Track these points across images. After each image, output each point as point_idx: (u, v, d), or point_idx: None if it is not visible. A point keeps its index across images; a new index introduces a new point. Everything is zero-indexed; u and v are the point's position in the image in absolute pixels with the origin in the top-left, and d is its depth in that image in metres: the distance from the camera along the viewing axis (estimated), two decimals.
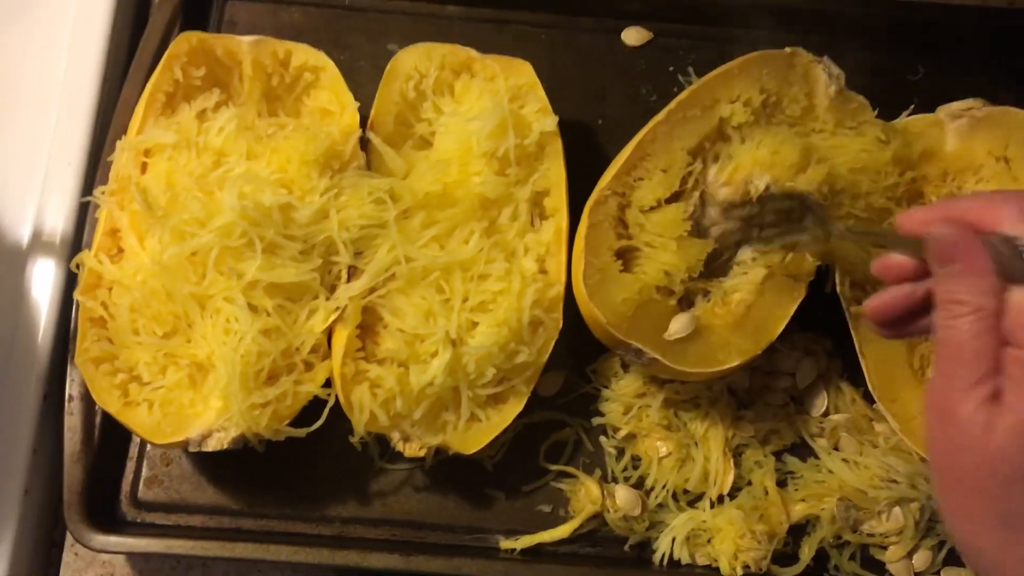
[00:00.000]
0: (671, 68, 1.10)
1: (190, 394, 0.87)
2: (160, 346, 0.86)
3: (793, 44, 0.98)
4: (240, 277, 0.86)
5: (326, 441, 0.92)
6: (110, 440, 0.94)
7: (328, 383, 0.89)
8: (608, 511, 0.94)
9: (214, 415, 0.85)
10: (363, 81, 1.02)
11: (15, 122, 1.01)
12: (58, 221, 0.98)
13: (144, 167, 0.91)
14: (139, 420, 0.86)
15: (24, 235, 0.98)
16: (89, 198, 0.92)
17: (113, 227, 0.89)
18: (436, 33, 1.08)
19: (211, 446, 0.85)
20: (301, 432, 0.88)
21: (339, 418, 0.89)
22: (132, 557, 0.95)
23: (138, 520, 0.94)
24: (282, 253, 0.87)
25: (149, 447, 0.96)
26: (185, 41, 0.94)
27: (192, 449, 0.86)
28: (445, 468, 0.95)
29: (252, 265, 0.86)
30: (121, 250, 0.89)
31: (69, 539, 0.96)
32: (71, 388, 0.93)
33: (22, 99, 1.02)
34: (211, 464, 0.96)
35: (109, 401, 0.86)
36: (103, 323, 0.88)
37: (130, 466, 0.96)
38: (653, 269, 0.90)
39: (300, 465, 0.96)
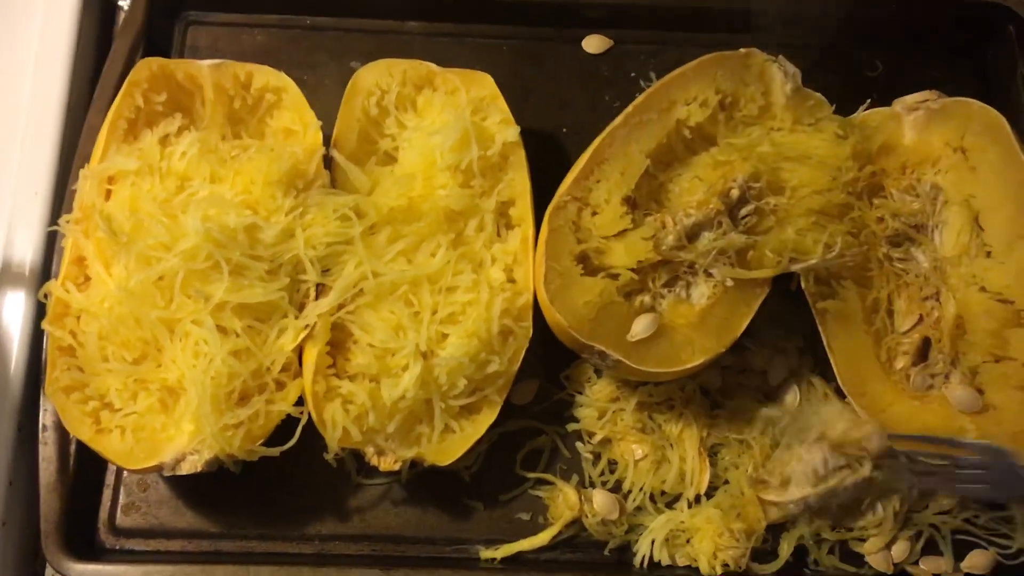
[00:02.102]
0: (633, 74, 1.11)
1: (162, 418, 0.87)
2: (130, 372, 0.87)
3: (752, 45, 0.99)
4: (207, 299, 0.86)
5: (302, 459, 0.93)
6: (86, 468, 0.94)
7: (300, 401, 0.90)
8: (587, 516, 0.94)
9: (187, 438, 0.85)
10: (328, 99, 1.02)
11: None
12: (26, 251, 0.98)
13: (108, 194, 0.91)
14: (112, 447, 0.86)
15: None
16: (55, 227, 0.92)
17: (79, 255, 0.90)
18: (398, 49, 1.09)
19: (185, 469, 0.85)
20: (275, 451, 0.88)
21: (313, 435, 0.89)
22: None
23: (117, 547, 0.94)
24: (249, 274, 0.88)
25: (125, 474, 0.96)
26: (146, 67, 0.95)
27: (167, 473, 0.86)
28: (422, 481, 0.96)
29: (219, 287, 0.86)
30: (88, 278, 0.90)
31: (49, 570, 0.96)
32: (44, 418, 0.92)
33: None
34: (188, 488, 0.95)
35: (81, 429, 0.86)
36: (72, 352, 0.88)
37: (107, 493, 0.95)
38: (605, 268, 0.91)
39: (277, 484, 0.96)
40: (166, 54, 1.07)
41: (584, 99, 1.10)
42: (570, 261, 0.91)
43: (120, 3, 1.12)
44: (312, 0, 1.11)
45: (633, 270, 0.91)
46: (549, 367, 1.00)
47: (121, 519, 0.95)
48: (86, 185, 0.90)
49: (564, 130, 1.09)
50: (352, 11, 1.11)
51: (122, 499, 0.95)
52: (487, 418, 0.91)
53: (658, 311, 0.91)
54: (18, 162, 1.00)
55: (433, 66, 1.00)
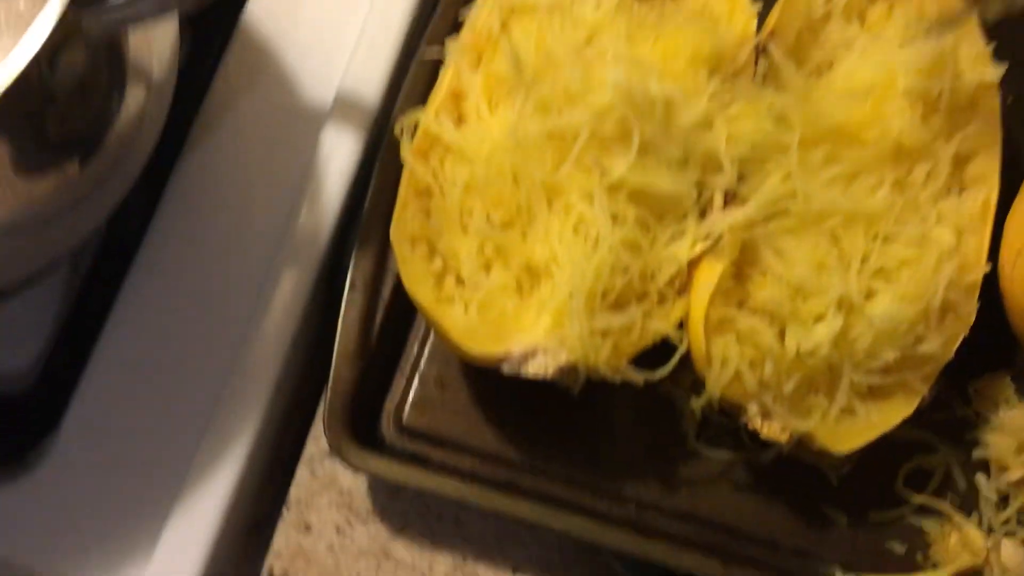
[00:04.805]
0: None
1: (515, 301, 0.70)
2: (492, 236, 0.70)
3: None
4: (605, 172, 0.69)
5: (634, 401, 0.75)
6: (383, 346, 0.79)
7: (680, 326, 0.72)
8: (992, 569, 0.73)
9: (542, 332, 0.68)
10: None
11: None
12: (369, 79, 0.83)
13: (503, 30, 0.75)
14: (453, 319, 0.69)
15: (327, 93, 0.84)
16: (436, 49, 0.77)
17: (458, 89, 0.74)
18: None
19: (532, 370, 0.68)
20: (639, 377, 0.70)
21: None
22: (377, 489, 0.79)
23: (399, 446, 0.77)
24: (659, 156, 0.70)
25: (423, 365, 0.79)
26: None
27: (507, 370, 0.69)
28: (777, 469, 0.76)
29: (623, 162, 0.69)
30: (462, 119, 0.74)
31: (308, 455, 0.80)
32: (354, 275, 0.77)
33: None
34: (493, 401, 0.78)
35: (421, 289, 0.70)
36: (428, 198, 0.72)
37: (399, 383, 0.79)
38: None
39: (596, 426, 0.78)
40: None
41: None
42: None
43: None
44: None
45: None
46: (955, 370, 0.78)
47: (410, 416, 0.78)
48: (485, 10, 0.74)
49: None
50: None
51: (415, 394, 0.79)
52: (901, 409, 0.71)
53: None
54: None
55: None
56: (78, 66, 0.68)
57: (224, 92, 0.83)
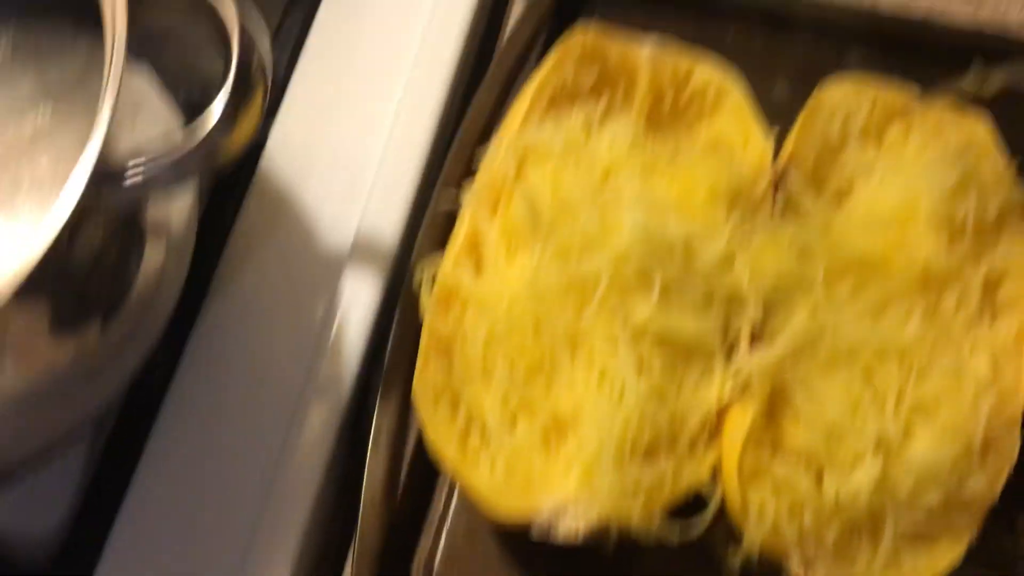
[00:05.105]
0: None
1: (542, 457, 0.68)
2: (516, 390, 0.69)
3: None
4: (627, 319, 0.68)
5: (667, 552, 0.71)
6: (410, 499, 0.77)
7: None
8: None
9: (571, 489, 0.66)
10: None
11: (354, 111, 0.88)
12: (386, 225, 0.83)
13: (518, 174, 0.75)
14: (479, 479, 0.68)
15: (345, 239, 0.84)
16: (455, 194, 0.77)
17: (476, 235, 0.73)
18: None
19: (563, 530, 0.66)
20: (673, 535, 0.67)
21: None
22: None
23: None
24: (681, 298, 0.69)
25: (451, 517, 0.78)
26: (580, 36, 0.79)
27: (536, 532, 0.66)
28: None
29: (645, 307, 0.68)
30: (480, 264, 0.73)
31: None
32: (377, 429, 0.76)
33: (364, 85, 0.89)
34: (524, 554, 0.76)
35: (447, 449, 0.68)
36: (449, 351, 0.71)
37: (427, 534, 0.77)
38: None
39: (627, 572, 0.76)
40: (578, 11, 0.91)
41: None
42: None
43: None
44: None
45: None
46: (999, 503, 0.75)
47: (440, 571, 0.76)
48: (500, 156, 0.74)
49: None
50: None
51: (443, 545, 0.77)
52: (949, 553, 0.68)
53: None
54: (393, 120, 0.87)
55: (913, 96, 0.80)
56: (96, 237, 0.68)
57: (243, 243, 0.84)
